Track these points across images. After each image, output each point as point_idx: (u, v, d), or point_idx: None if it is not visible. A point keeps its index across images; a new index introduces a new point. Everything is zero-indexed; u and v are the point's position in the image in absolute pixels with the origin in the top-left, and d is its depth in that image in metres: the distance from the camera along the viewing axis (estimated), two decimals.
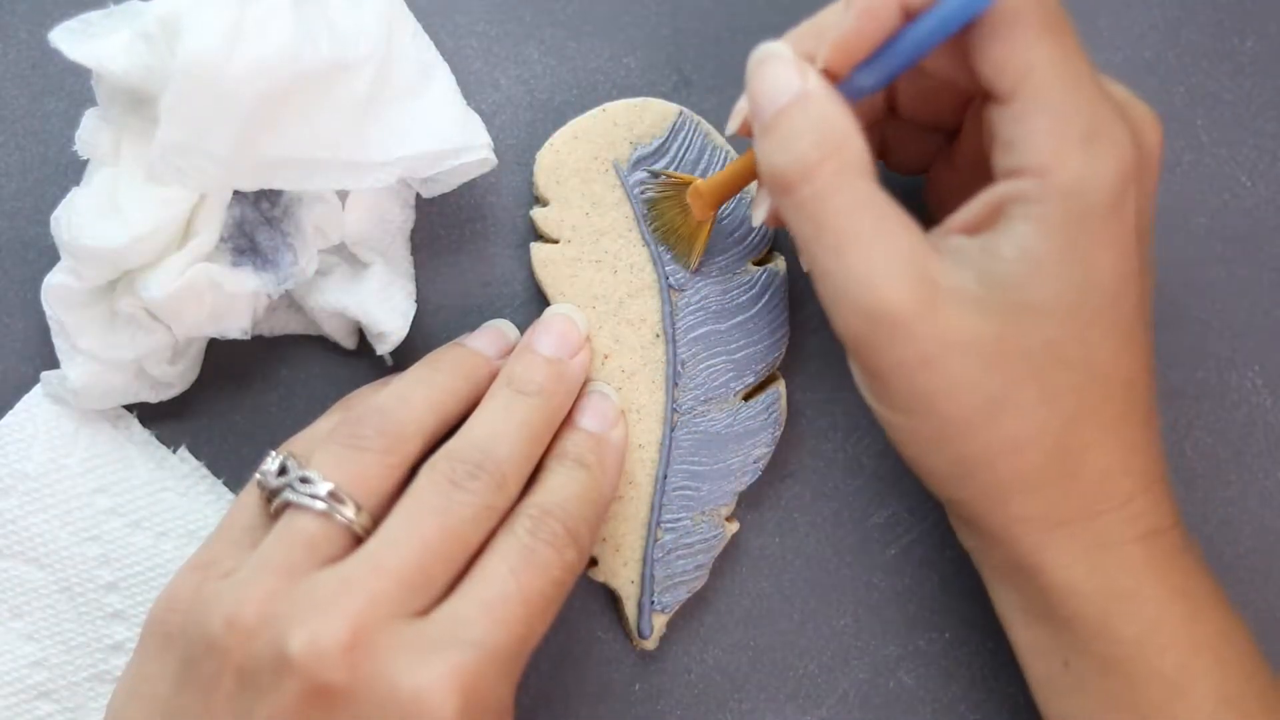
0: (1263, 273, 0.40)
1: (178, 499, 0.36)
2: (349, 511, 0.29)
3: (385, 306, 0.36)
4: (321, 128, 0.33)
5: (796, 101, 0.29)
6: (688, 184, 0.36)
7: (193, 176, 0.32)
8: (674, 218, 0.36)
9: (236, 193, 0.34)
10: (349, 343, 0.38)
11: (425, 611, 0.28)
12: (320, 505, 0.29)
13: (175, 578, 0.30)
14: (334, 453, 0.31)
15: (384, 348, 0.36)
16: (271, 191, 0.35)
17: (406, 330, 0.36)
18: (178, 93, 0.30)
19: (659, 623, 0.37)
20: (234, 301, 0.35)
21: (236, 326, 0.35)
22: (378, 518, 0.30)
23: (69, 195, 0.34)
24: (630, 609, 0.37)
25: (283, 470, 0.30)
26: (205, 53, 0.30)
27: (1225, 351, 0.39)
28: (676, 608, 0.37)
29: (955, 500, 0.31)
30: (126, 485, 0.36)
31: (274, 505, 0.30)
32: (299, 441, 0.33)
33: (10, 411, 0.36)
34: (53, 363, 0.36)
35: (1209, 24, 0.40)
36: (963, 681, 0.38)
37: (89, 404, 0.35)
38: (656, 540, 0.37)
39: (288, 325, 0.38)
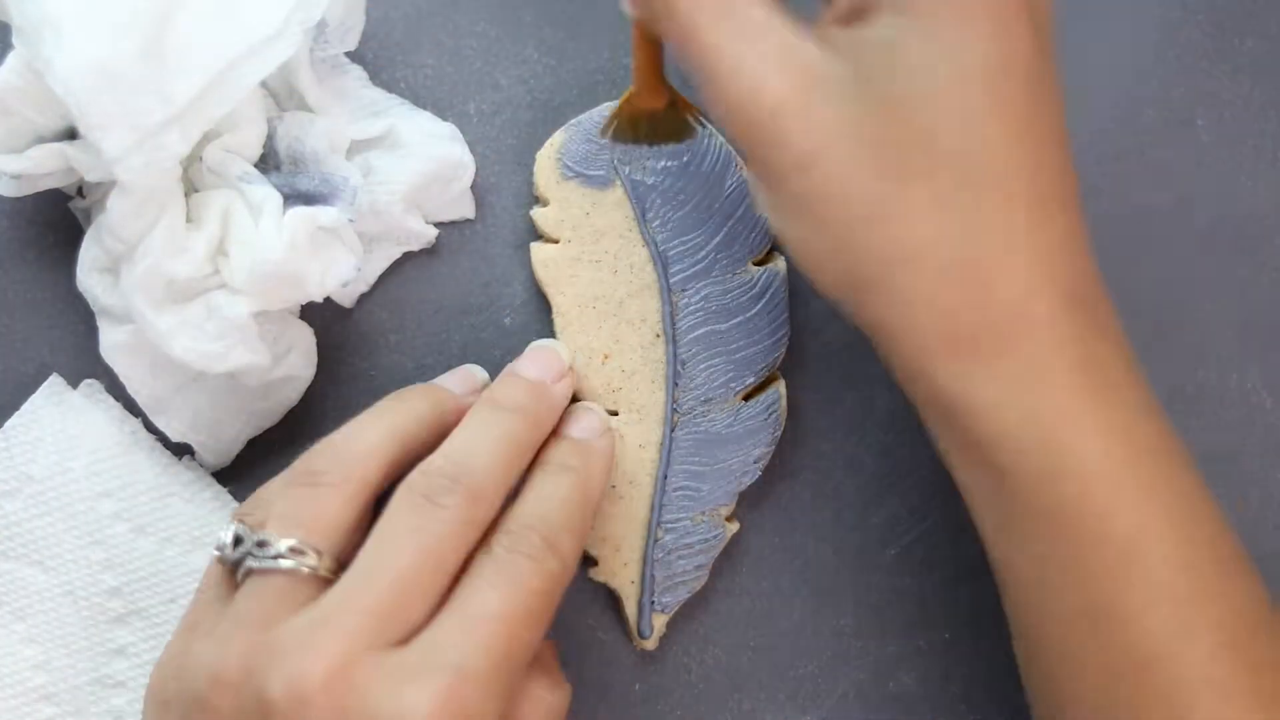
0: (1263, 273, 0.39)
1: (183, 505, 0.36)
2: (311, 561, 0.29)
3: (434, 137, 0.37)
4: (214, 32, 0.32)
5: None
6: (624, 103, 0.36)
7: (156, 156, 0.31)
8: (642, 127, 0.37)
9: (258, 180, 0.34)
10: (430, 233, 0.38)
11: (406, 640, 0.27)
12: (283, 564, 0.29)
13: (168, 644, 0.30)
14: (289, 497, 0.30)
15: (468, 177, 0.37)
16: (268, 157, 0.35)
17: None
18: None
19: (659, 623, 0.37)
20: (332, 240, 0.34)
21: (349, 265, 0.34)
22: (344, 554, 0.29)
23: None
24: (630, 609, 0.37)
25: (238, 541, 0.30)
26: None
27: (1225, 351, 0.39)
28: (676, 608, 0.37)
29: (865, 327, 0.29)
30: (132, 490, 0.36)
31: (239, 575, 0.29)
32: (252, 502, 0.31)
33: (16, 413, 0.36)
34: (57, 365, 0.37)
35: (1209, 24, 0.40)
36: (963, 681, 0.38)
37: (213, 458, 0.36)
38: (657, 540, 0.37)
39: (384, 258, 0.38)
